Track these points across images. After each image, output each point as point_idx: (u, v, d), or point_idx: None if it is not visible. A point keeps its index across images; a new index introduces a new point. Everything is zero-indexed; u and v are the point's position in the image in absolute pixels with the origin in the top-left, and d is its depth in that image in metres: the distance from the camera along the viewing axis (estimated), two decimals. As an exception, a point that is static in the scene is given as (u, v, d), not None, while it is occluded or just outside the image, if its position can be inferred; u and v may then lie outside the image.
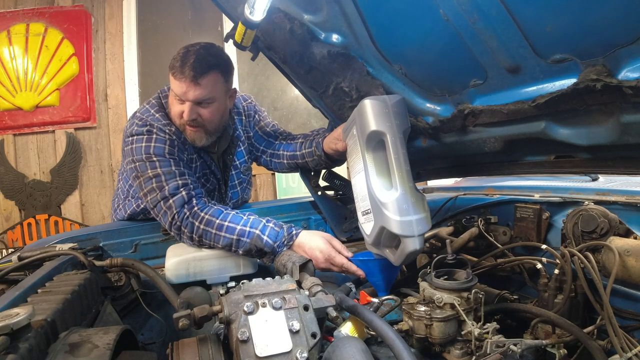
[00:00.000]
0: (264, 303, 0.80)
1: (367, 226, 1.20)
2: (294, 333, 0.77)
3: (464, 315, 0.92)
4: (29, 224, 3.92)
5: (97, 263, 1.22)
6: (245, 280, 0.90)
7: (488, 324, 0.93)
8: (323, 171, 1.75)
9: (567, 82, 0.85)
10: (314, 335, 0.78)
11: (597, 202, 1.21)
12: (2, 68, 3.83)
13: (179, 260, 1.37)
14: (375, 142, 1.17)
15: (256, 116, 1.82)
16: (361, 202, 1.24)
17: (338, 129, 1.50)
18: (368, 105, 1.15)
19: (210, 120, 1.47)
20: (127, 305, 1.25)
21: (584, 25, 0.75)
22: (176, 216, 1.34)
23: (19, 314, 0.64)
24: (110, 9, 4.03)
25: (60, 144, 3.95)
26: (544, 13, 0.78)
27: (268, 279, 0.90)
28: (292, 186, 4.21)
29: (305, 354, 0.74)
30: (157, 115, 1.47)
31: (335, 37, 1.23)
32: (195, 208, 1.35)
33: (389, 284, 1.24)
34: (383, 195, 1.12)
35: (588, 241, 1.10)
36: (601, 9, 0.71)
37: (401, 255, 1.09)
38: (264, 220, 1.36)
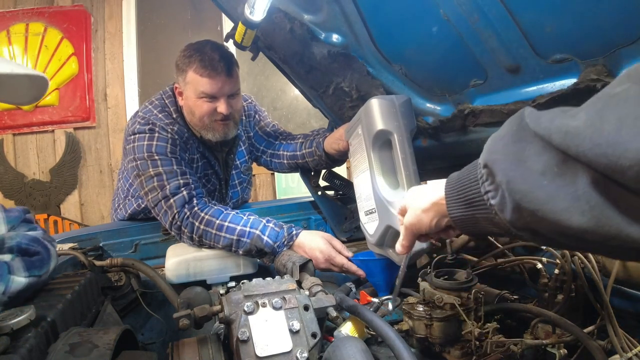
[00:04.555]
0: (264, 303, 0.80)
1: (370, 226, 1.20)
2: (294, 333, 0.77)
3: (464, 315, 0.92)
4: (29, 224, 3.91)
5: (97, 263, 1.22)
6: (245, 280, 0.90)
7: (488, 324, 0.93)
8: (323, 171, 1.75)
9: (567, 82, 0.85)
10: (314, 335, 0.78)
11: (597, 202, 1.21)
12: (1, 68, 3.82)
13: (179, 260, 1.37)
14: (382, 142, 1.16)
15: (256, 116, 1.82)
16: (365, 202, 1.23)
17: (340, 129, 1.50)
18: (375, 104, 1.14)
19: (239, 110, 1.56)
20: (127, 305, 1.25)
21: (584, 26, 0.75)
22: (177, 216, 1.34)
23: (19, 314, 0.64)
24: (109, 8, 4.03)
25: (60, 144, 3.94)
26: (544, 13, 0.78)
27: (268, 279, 0.90)
28: (292, 186, 4.20)
29: (305, 354, 0.74)
30: (159, 115, 1.48)
31: (335, 37, 1.23)
32: (196, 208, 1.35)
33: (389, 284, 1.24)
34: (390, 194, 1.11)
35: (588, 241, 1.10)
36: (601, 9, 0.71)
37: None
38: (264, 221, 1.36)
